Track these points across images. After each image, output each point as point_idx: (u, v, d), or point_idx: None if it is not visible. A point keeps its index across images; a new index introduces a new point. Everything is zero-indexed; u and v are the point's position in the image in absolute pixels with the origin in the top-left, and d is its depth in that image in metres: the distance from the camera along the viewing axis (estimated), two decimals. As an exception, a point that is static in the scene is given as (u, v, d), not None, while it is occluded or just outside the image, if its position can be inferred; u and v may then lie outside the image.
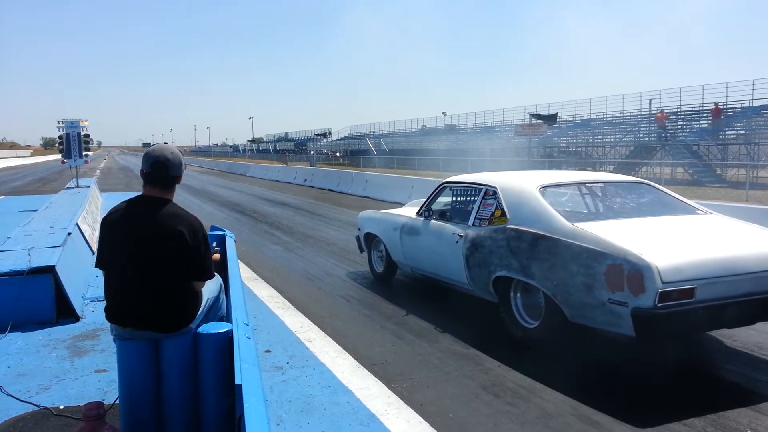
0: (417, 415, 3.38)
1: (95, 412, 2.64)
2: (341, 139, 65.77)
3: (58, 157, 17.28)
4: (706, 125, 26.48)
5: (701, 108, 27.84)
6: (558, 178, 5.32)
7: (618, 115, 33.10)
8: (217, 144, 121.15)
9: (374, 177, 19.93)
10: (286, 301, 5.86)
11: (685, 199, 5.11)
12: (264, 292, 6.23)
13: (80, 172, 16.33)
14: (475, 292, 5.17)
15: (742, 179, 18.38)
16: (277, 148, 74.55)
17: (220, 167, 44.94)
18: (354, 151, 50.77)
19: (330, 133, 67.45)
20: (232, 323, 2.64)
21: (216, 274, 2.94)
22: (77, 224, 7.30)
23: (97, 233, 7.44)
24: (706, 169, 22.74)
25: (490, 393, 3.74)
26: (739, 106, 26.49)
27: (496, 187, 5.01)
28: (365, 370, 4.04)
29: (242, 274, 4.39)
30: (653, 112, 29.04)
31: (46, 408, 3.39)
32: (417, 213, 6.05)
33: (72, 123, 15.12)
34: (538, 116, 30.44)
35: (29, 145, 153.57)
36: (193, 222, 2.67)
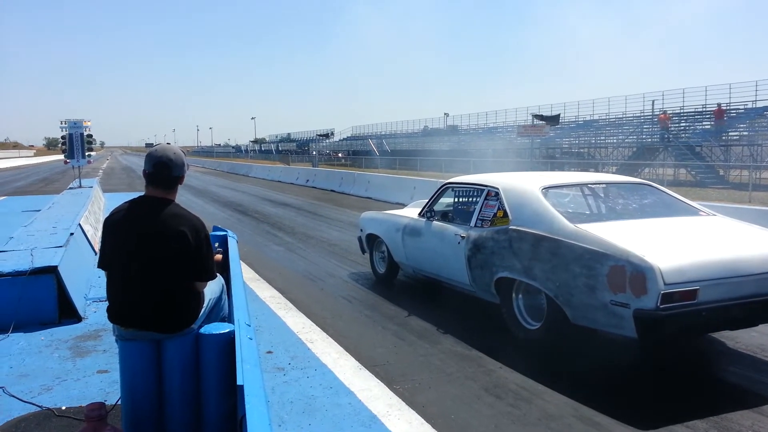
0: (419, 417, 3.38)
1: (97, 412, 2.64)
2: (343, 139, 65.80)
3: (61, 157, 17.30)
4: (709, 126, 26.44)
5: (704, 109, 27.81)
6: (560, 179, 5.32)
7: (621, 116, 33.06)
8: (219, 144, 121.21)
9: (376, 178, 19.93)
10: (288, 301, 5.86)
11: (688, 200, 5.10)
12: (266, 292, 6.23)
13: (83, 172, 16.34)
14: (477, 293, 5.17)
15: (745, 180, 18.36)
16: (280, 148, 74.58)
17: (223, 168, 44.98)
18: (356, 152, 50.70)
19: (332, 133, 67.43)
20: (233, 324, 2.64)
21: (218, 274, 2.94)
22: (80, 224, 7.31)
23: (99, 233, 7.46)
24: (708, 170, 22.69)
25: (492, 394, 3.73)
26: (742, 107, 26.45)
27: (498, 188, 5.01)
28: (367, 371, 4.04)
29: (244, 274, 4.39)
30: (656, 113, 28.98)
31: (48, 408, 3.40)
32: (419, 214, 6.05)
33: (75, 123, 15.17)
34: (541, 117, 30.37)
35: (32, 145, 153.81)
36: (196, 222, 2.67)
